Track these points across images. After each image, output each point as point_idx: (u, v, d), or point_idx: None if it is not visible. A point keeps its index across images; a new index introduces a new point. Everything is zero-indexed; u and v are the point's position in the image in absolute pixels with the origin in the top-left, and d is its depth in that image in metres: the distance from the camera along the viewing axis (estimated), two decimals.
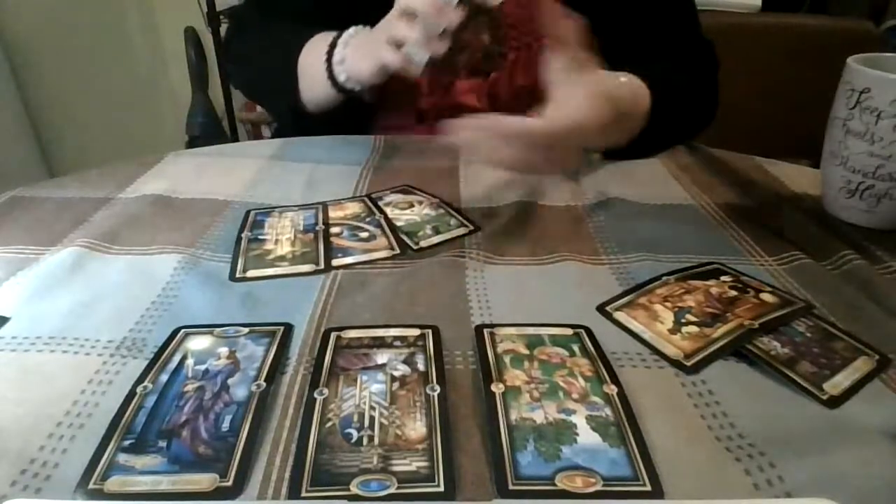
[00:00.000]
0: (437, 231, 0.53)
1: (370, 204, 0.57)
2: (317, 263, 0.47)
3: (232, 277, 0.46)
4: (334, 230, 0.52)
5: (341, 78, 0.63)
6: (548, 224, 0.54)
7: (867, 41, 1.19)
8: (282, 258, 0.48)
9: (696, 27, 0.78)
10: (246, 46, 0.77)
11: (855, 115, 0.50)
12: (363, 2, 0.67)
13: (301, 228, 0.52)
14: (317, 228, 0.52)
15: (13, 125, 2.02)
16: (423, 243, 0.51)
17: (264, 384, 0.34)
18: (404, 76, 0.74)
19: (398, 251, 0.49)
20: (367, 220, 0.54)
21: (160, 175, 0.64)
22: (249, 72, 0.80)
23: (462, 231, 0.53)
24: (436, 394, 0.34)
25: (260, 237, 0.51)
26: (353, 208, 0.56)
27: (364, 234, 0.52)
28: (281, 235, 0.51)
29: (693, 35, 0.77)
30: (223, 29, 1.83)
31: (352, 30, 0.64)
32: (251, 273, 0.46)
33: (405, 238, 0.51)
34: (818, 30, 1.26)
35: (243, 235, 0.51)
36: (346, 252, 0.49)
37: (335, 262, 0.48)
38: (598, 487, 0.28)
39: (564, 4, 0.73)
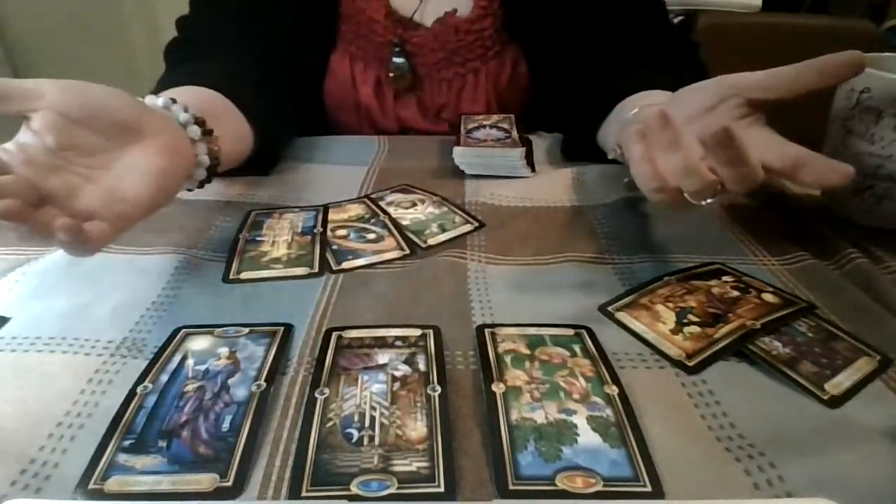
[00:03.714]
0: (443, 229, 0.53)
1: (371, 205, 0.57)
2: (311, 266, 0.47)
3: (225, 279, 0.46)
4: (340, 232, 0.52)
5: None
6: (550, 224, 0.54)
7: (867, 41, 1.19)
8: (277, 260, 0.48)
9: (672, 30, 0.79)
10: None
11: (855, 115, 0.50)
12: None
13: (299, 230, 0.52)
14: (315, 231, 0.52)
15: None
16: (431, 241, 0.51)
17: (264, 384, 0.34)
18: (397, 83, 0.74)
19: (408, 251, 0.49)
20: (372, 221, 0.54)
21: None
22: None
23: (468, 228, 0.53)
24: (436, 394, 0.34)
25: (257, 238, 0.51)
26: (356, 210, 0.56)
27: (371, 236, 0.52)
28: (278, 237, 0.51)
29: (675, 38, 0.77)
30: None
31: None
32: (245, 275, 0.46)
33: (412, 237, 0.51)
34: (818, 30, 1.26)
35: (241, 236, 0.51)
36: (356, 254, 0.49)
37: (346, 265, 0.47)
38: (599, 488, 0.28)
39: (544, 18, 0.73)
